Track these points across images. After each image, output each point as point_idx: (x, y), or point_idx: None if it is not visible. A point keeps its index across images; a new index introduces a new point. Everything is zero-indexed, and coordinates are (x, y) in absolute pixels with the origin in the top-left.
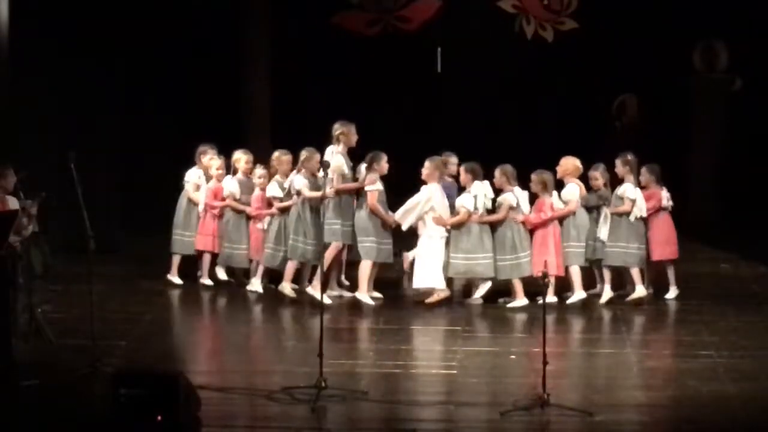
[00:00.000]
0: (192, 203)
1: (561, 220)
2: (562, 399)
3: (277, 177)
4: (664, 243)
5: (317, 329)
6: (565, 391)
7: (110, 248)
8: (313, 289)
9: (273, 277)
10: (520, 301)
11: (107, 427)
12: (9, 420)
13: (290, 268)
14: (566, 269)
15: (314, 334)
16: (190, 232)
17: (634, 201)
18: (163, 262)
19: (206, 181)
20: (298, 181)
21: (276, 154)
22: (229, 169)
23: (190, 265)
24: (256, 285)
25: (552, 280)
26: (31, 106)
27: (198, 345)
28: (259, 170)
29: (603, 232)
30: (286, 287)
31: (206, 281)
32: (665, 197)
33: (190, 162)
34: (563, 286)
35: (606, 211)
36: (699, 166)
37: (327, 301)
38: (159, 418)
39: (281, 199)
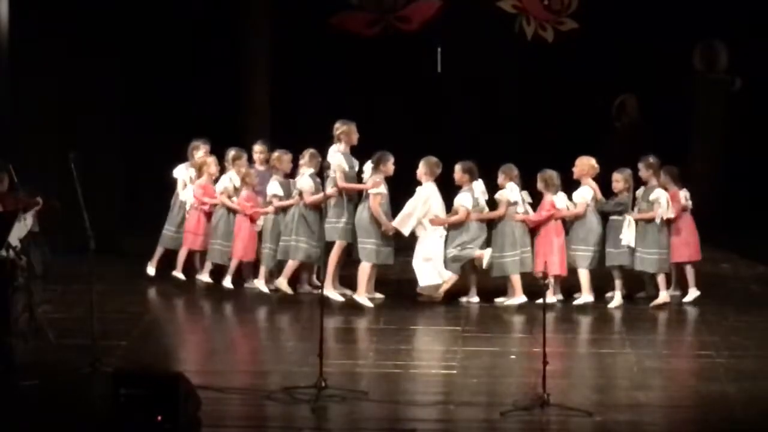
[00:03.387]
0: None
1: (570, 221)
2: (562, 399)
3: (277, 176)
4: (685, 244)
5: (317, 329)
6: (565, 391)
7: (110, 248)
8: (326, 289)
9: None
10: (519, 298)
11: (107, 427)
12: (9, 420)
13: (291, 266)
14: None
15: (314, 334)
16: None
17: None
18: (164, 262)
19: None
20: (303, 182)
21: (276, 153)
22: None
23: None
24: (260, 285)
25: (552, 279)
26: (31, 106)
27: (198, 345)
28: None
29: (627, 237)
30: (283, 283)
31: (179, 275)
32: (683, 197)
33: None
34: (569, 286)
35: (629, 218)
36: (699, 166)
37: (339, 298)
38: (159, 418)
39: (281, 198)
